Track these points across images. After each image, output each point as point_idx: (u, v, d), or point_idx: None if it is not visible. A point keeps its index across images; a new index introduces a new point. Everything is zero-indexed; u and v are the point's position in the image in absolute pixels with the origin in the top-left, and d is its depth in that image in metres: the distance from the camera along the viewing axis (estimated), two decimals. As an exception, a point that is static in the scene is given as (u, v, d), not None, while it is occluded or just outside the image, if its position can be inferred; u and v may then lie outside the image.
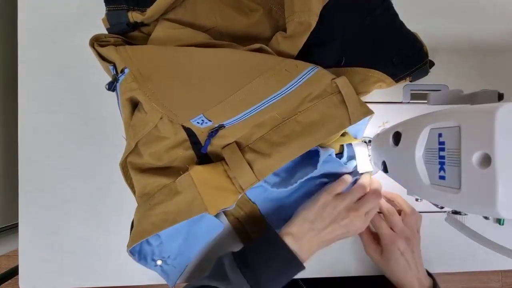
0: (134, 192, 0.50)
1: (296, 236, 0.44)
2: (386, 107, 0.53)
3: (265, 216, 0.52)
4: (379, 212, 0.51)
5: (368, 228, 0.49)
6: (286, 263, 0.43)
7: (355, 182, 0.50)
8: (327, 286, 0.63)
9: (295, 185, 0.47)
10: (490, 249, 0.32)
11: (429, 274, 0.49)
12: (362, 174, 0.51)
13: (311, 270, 0.53)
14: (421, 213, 0.51)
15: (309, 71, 0.42)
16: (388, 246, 0.47)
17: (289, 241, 0.44)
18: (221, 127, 0.45)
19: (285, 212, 0.52)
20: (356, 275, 0.54)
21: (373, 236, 0.50)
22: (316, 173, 0.47)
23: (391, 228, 0.48)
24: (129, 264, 0.51)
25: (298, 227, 0.45)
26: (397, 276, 0.47)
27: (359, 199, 0.47)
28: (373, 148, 0.48)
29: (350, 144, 0.51)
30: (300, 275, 0.44)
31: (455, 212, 0.38)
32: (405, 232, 0.47)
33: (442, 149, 0.31)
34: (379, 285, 0.55)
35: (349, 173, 0.51)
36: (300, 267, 0.43)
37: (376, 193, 0.48)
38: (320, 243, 0.45)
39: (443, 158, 0.31)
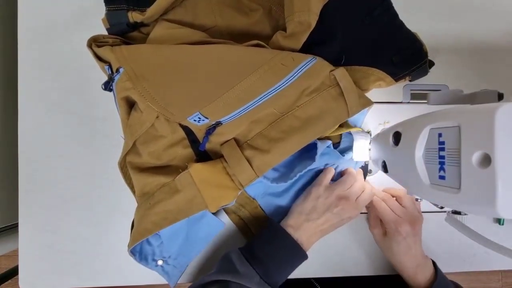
0: (133, 192, 0.50)
1: (294, 227, 0.46)
2: (386, 107, 0.53)
3: (265, 211, 0.52)
4: None
5: (374, 209, 0.50)
6: (290, 251, 0.45)
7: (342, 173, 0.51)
8: (341, 286, 0.63)
9: (294, 178, 0.47)
10: (490, 249, 0.32)
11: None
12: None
13: (316, 269, 0.53)
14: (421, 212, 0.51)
15: (307, 63, 0.41)
16: (391, 230, 0.47)
17: (289, 231, 0.46)
18: (219, 124, 0.45)
19: (285, 205, 0.52)
20: (368, 275, 0.55)
21: (379, 218, 0.51)
22: (314, 165, 0.47)
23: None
24: (129, 264, 0.51)
25: (295, 220, 0.47)
26: (397, 258, 0.48)
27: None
28: (373, 148, 0.48)
29: (349, 133, 0.51)
30: (305, 274, 0.45)
31: (455, 212, 0.38)
32: (408, 215, 0.48)
33: (442, 149, 0.31)
34: (391, 285, 0.55)
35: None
36: (303, 255, 0.45)
37: (362, 180, 0.49)
38: (318, 232, 0.47)
39: (443, 158, 0.31)
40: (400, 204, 0.49)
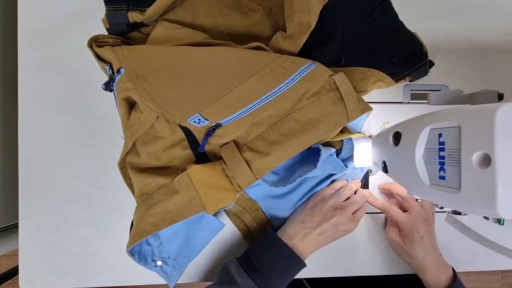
0: (133, 192, 0.49)
1: (291, 235, 0.46)
2: (386, 107, 0.53)
3: (266, 214, 0.52)
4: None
5: (390, 215, 0.49)
6: (286, 260, 0.45)
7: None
8: (331, 286, 0.63)
9: (294, 183, 0.47)
10: (490, 249, 0.33)
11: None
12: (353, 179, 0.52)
13: (315, 269, 0.53)
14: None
15: (307, 67, 0.42)
16: (408, 231, 0.47)
17: (285, 239, 0.46)
18: (218, 126, 0.45)
19: (287, 208, 0.52)
20: (360, 275, 0.54)
21: (395, 223, 0.50)
22: (315, 172, 0.47)
23: (408, 212, 0.49)
24: (129, 264, 0.51)
25: (291, 228, 0.47)
26: (418, 260, 0.47)
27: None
28: (373, 148, 0.48)
29: (350, 140, 0.50)
30: (304, 274, 0.45)
31: (455, 212, 0.38)
32: (423, 215, 0.48)
33: (442, 149, 0.31)
34: (383, 285, 0.55)
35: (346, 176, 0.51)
36: (301, 263, 0.45)
37: (362, 194, 0.50)
38: (314, 242, 0.47)
39: (443, 158, 0.31)
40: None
